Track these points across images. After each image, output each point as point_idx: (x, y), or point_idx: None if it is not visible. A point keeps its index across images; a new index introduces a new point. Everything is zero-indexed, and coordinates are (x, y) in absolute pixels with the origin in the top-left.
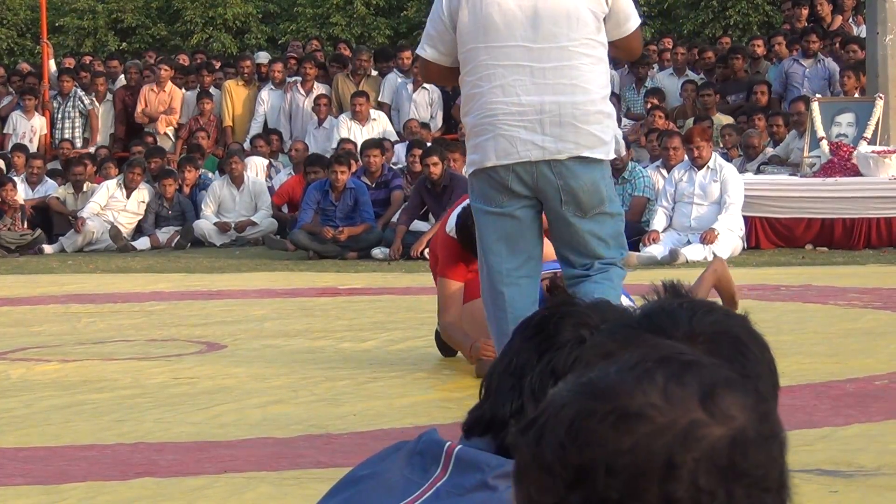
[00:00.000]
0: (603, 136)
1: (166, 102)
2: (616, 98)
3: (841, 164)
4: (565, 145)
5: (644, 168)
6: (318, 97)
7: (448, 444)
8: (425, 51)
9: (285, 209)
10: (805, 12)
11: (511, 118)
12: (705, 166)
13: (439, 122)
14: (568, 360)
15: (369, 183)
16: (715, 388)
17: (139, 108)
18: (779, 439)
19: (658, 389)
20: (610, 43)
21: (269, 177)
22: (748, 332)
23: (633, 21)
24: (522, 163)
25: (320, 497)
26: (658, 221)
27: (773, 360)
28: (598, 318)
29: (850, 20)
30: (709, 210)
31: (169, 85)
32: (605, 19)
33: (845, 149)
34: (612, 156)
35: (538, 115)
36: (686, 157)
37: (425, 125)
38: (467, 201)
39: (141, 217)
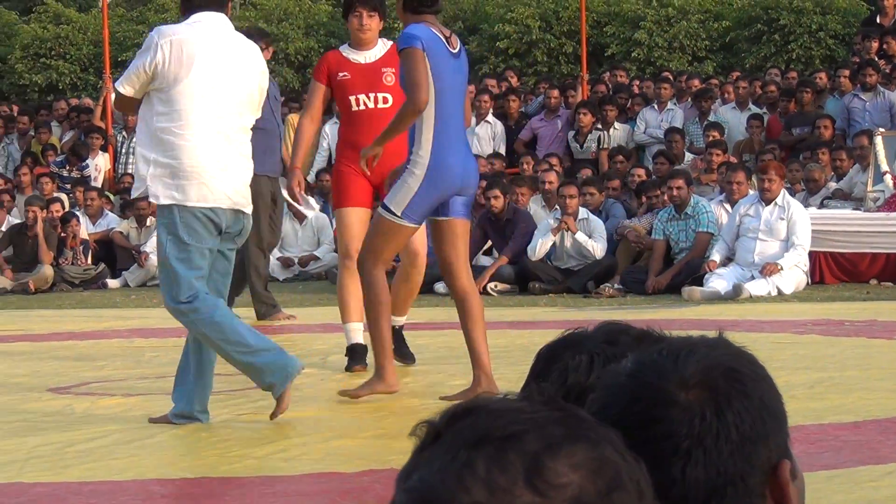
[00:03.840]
0: None
1: None
2: (679, 133)
3: None
4: (246, 199)
5: (707, 203)
6: None
7: None
8: (134, 89)
9: None
10: (875, 45)
11: (216, 170)
12: (773, 202)
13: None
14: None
15: None
16: (540, 458)
17: None
18: (622, 486)
19: (480, 482)
20: None
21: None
22: (735, 357)
23: None
24: (227, 209)
25: None
26: (717, 252)
27: (767, 374)
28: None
29: None
30: (773, 247)
31: None
32: None
33: None
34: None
35: (234, 172)
36: (750, 192)
37: (498, 154)
38: None
39: None
